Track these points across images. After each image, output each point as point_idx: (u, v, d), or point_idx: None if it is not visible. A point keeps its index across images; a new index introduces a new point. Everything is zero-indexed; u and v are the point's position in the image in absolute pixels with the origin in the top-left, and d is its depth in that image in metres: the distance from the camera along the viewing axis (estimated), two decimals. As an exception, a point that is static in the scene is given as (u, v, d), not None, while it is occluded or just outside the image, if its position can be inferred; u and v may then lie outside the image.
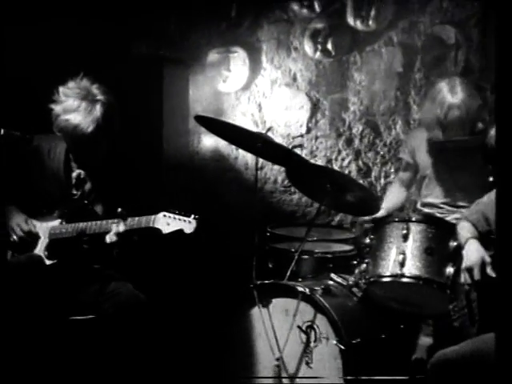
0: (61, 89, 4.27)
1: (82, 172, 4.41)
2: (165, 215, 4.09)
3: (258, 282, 4.49)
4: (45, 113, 4.30)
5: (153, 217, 4.10)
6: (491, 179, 4.47)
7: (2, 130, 3.81)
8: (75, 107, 4.20)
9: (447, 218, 4.59)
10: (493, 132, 3.68)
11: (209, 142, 5.80)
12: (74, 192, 4.40)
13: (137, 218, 4.14)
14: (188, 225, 4.06)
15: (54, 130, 4.29)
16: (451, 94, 4.76)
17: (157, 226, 4.10)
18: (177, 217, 4.08)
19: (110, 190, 4.37)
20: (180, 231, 4.07)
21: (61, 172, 4.38)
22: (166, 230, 4.09)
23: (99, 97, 4.25)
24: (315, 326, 4.34)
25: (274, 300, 4.45)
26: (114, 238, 4.12)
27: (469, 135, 4.72)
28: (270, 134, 4.67)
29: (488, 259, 3.76)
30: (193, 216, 4.06)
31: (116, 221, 4.13)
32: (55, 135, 4.35)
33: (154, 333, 4.40)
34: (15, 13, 5.06)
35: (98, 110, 4.21)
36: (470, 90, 4.81)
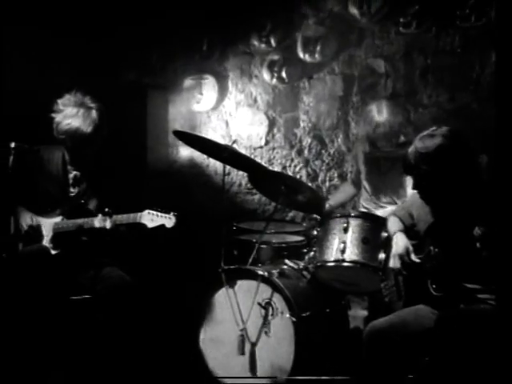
0: (59, 100, 4.35)
1: (78, 173, 4.46)
2: (149, 212, 4.15)
3: (226, 267, 4.56)
4: (44, 125, 4.35)
5: (139, 214, 4.16)
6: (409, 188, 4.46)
7: (13, 143, 3.89)
8: (74, 113, 4.29)
9: (378, 213, 4.66)
10: (411, 149, 3.68)
11: (185, 152, 5.83)
12: (72, 191, 4.45)
13: (126, 215, 4.20)
14: (169, 220, 4.12)
15: (56, 136, 4.34)
16: (378, 114, 4.91)
17: (143, 221, 4.15)
18: (159, 214, 4.14)
19: (101, 190, 4.43)
20: (162, 226, 4.13)
21: (60, 175, 4.44)
22: (150, 224, 4.15)
23: (92, 104, 4.33)
24: (272, 303, 4.43)
25: (238, 282, 4.55)
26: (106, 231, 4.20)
27: (394, 147, 4.82)
28: (235, 145, 4.74)
29: (411, 248, 3.81)
30: (172, 213, 4.13)
31: (105, 218, 4.18)
32: (52, 145, 4.42)
33: (139, 309, 4.41)
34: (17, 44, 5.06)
35: (93, 114, 4.31)
36: (393, 111, 4.96)
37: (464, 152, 3.70)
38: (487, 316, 3.57)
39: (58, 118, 4.33)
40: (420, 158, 3.66)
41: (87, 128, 4.29)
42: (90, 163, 4.45)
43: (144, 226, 4.18)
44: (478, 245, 3.48)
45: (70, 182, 4.47)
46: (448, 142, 3.64)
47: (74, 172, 4.48)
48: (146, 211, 4.16)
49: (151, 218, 4.15)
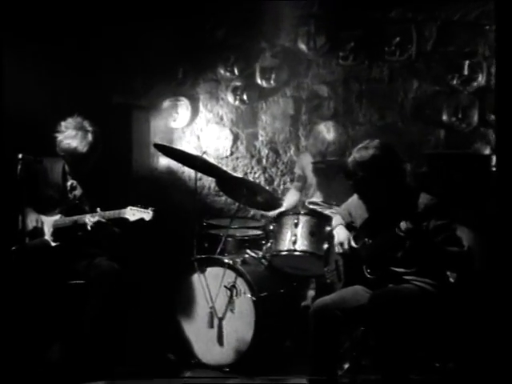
0: (63, 123, 4.33)
1: (75, 182, 4.44)
2: (131, 209, 4.16)
3: (198, 257, 4.54)
4: (48, 140, 4.34)
5: (123, 210, 4.17)
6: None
7: (20, 155, 3.83)
8: (73, 135, 4.28)
9: (325, 212, 4.61)
10: (350, 158, 3.71)
11: (164, 161, 5.77)
12: (69, 196, 4.43)
13: (112, 211, 4.20)
14: (147, 214, 4.14)
15: (58, 151, 4.34)
16: (327, 134, 4.96)
17: (125, 216, 4.17)
18: (139, 209, 4.15)
19: (93, 194, 4.41)
20: (142, 219, 4.14)
21: (59, 182, 4.42)
22: (132, 218, 4.16)
23: (89, 128, 4.31)
24: (236, 285, 4.42)
25: (208, 268, 4.52)
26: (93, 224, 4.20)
27: (337, 158, 4.84)
28: (205, 156, 4.75)
29: (351, 237, 3.82)
30: (150, 208, 4.14)
31: (95, 214, 4.20)
32: (54, 157, 4.38)
33: (126, 290, 4.41)
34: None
35: (90, 137, 4.30)
36: (339, 130, 5.01)
37: (392, 161, 3.75)
38: (411, 293, 3.64)
39: (60, 137, 4.32)
40: (357, 165, 3.70)
41: (83, 148, 4.29)
42: (84, 174, 4.43)
43: (127, 219, 4.18)
44: (403, 236, 3.57)
45: (68, 188, 4.45)
46: (379, 152, 3.69)
47: (71, 180, 4.45)
48: (128, 208, 4.17)
49: (132, 213, 4.16)
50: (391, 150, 3.77)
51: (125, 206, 4.19)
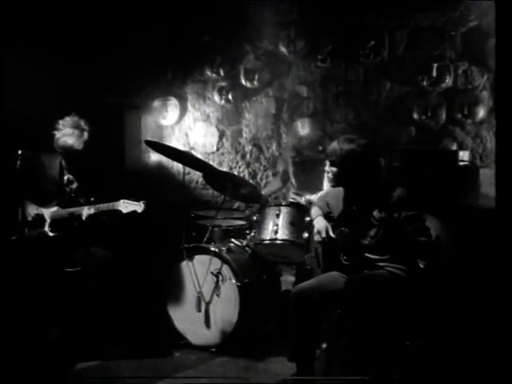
0: (60, 121, 4.35)
1: (71, 176, 4.45)
2: (124, 201, 4.18)
3: (186, 245, 4.55)
4: (47, 137, 4.36)
5: (116, 202, 4.19)
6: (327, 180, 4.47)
7: (20, 151, 3.88)
8: (70, 133, 4.31)
9: (303, 202, 4.60)
10: (332, 148, 3.71)
11: (155, 157, 5.77)
12: (66, 189, 4.44)
13: (106, 204, 4.22)
14: (139, 207, 4.17)
15: (55, 148, 4.35)
16: (302, 130, 4.99)
17: (119, 208, 4.19)
18: (132, 202, 4.18)
19: (88, 188, 4.42)
20: (134, 211, 4.17)
21: (56, 177, 4.42)
22: (124, 210, 4.18)
23: (85, 127, 4.34)
24: (222, 272, 4.43)
25: (196, 256, 4.53)
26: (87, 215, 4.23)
27: (314, 153, 4.92)
28: (193, 152, 4.81)
29: (329, 227, 3.82)
30: (142, 201, 4.17)
31: (90, 206, 4.22)
32: (52, 153, 4.39)
33: (120, 277, 4.44)
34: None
35: (85, 135, 4.33)
36: (313, 126, 5.04)
37: (371, 155, 3.77)
38: (383, 278, 3.67)
39: (57, 135, 4.35)
40: (341, 156, 3.71)
41: (79, 146, 4.33)
42: (80, 169, 4.44)
43: (120, 211, 4.20)
44: (376, 225, 3.61)
45: (65, 182, 4.45)
46: (361, 146, 3.71)
47: (68, 175, 4.46)
48: (121, 200, 4.19)
49: (125, 206, 4.18)
50: (370, 145, 3.80)
51: (118, 199, 4.20)
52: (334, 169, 3.75)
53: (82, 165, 4.43)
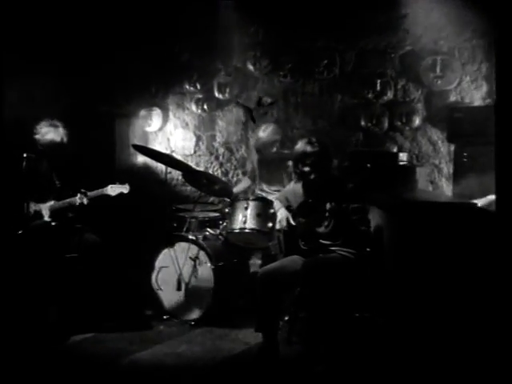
0: (37, 126, 4.38)
1: (57, 172, 4.43)
2: (111, 186, 4.23)
3: (168, 234, 4.56)
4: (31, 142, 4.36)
5: (105, 188, 4.24)
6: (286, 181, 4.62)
7: (25, 154, 3.88)
8: (47, 131, 4.34)
9: (269, 197, 4.60)
10: (298, 149, 3.77)
11: (141, 158, 5.70)
12: (56, 183, 4.42)
13: (96, 191, 4.24)
14: (125, 188, 4.23)
15: (39, 147, 4.34)
16: (263, 133, 5.01)
17: (108, 193, 4.23)
18: (118, 185, 4.23)
19: (75, 180, 4.39)
20: (121, 193, 4.22)
21: (48, 174, 4.39)
22: (113, 193, 4.23)
23: (58, 124, 4.38)
24: (199, 257, 4.43)
25: (177, 243, 4.51)
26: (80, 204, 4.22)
27: (276, 154, 4.90)
28: (173, 154, 4.75)
29: (290, 217, 3.82)
30: (127, 183, 4.24)
31: (82, 196, 4.21)
32: (39, 154, 4.33)
33: (110, 261, 4.43)
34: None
35: (60, 130, 4.36)
36: (273, 130, 5.05)
37: (328, 155, 3.81)
38: (335, 261, 3.71)
39: (38, 136, 4.36)
40: (304, 156, 3.75)
41: (56, 139, 4.34)
42: (64, 160, 4.42)
43: (109, 195, 4.22)
44: (328, 215, 3.64)
45: (54, 178, 4.43)
46: (320, 148, 3.75)
47: (54, 171, 4.43)
48: (109, 186, 4.24)
49: (113, 190, 4.22)
50: (327, 147, 3.83)
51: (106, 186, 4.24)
52: (300, 165, 3.76)
53: (64, 156, 4.41)
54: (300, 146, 3.77)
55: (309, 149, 3.73)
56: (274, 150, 4.93)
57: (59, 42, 5.48)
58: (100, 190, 4.22)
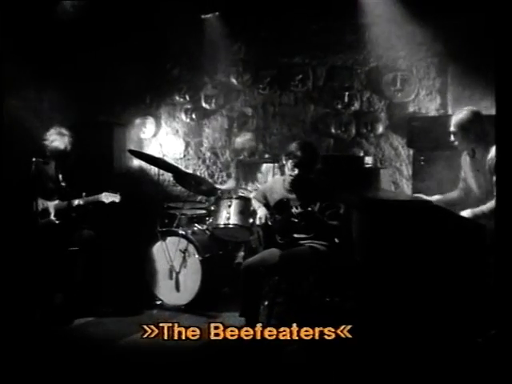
0: (47, 133, 4.33)
1: (63, 175, 4.39)
2: (105, 194, 4.19)
3: (160, 229, 4.50)
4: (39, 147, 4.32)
5: (99, 195, 4.20)
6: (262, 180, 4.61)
7: (34, 159, 3.82)
8: (54, 139, 4.28)
9: (249, 196, 4.51)
10: (291, 149, 3.73)
11: (136, 162, 5.65)
12: (62, 185, 4.38)
13: (92, 196, 4.21)
14: (117, 198, 4.19)
15: (47, 153, 4.29)
16: (240, 139, 5.02)
17: (102, 199, 4.20)
18: (111, 194, 4.19)
19: (78, 183, 4.36)
20: (113, 201, 4.18)
21: (54, 176, 4.35)
22: (106, 201, 4.20)
23: (66, 133, 4.32)
24: (188, 249, 4.40)
25: (168, 238, 4.47)
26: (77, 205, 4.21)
27: (254, 157, 4.92)
28: (165, 158, 4.76)
29: (268, 215, 3.83)
30: (118, 193, 4.20)
31: (80, 199, 4.20)
32: (48, 159, 4.27)
33: (106, 254, 4.47)
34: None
35: (66, 139, 4.30)
36: (249, 137, 5.05)
37: (315, 158, 3.81)
38: (308, 252, 3.73)
39: (46, 142, 4.31)
40: (295, 152, 3.73)
41: (62, 146, 4.28)
42: (70, 167, 4.37)
43: (103, 202, 4.21)
44: (301, 212, 3.63)
45: (60, 180, 4.39)
46: (310, 149, 3.76)
47: (61, 174, 4.39)
48: (104, 193, 4.20)
49: (106, 197, 4.18)
50: (317, 152, 3.85)
51: (101, 193, 4.23)
52: (290, 161, 3.75)
53: (70, 163, 4.37)
54: (295, 145, 3.77)
55: (301, 148, 3.73)
56: (251, 153, 4.96)
57: (67, 62, 5.53)
58: (96, 197, 4.21)
